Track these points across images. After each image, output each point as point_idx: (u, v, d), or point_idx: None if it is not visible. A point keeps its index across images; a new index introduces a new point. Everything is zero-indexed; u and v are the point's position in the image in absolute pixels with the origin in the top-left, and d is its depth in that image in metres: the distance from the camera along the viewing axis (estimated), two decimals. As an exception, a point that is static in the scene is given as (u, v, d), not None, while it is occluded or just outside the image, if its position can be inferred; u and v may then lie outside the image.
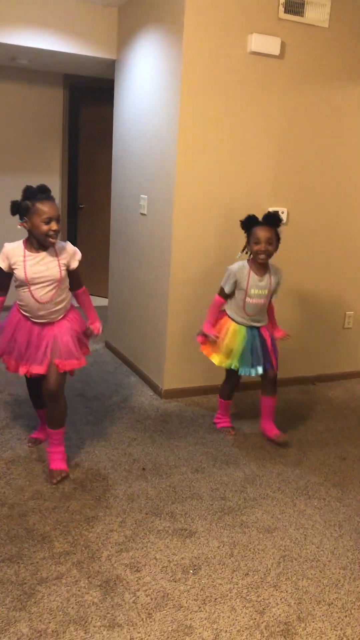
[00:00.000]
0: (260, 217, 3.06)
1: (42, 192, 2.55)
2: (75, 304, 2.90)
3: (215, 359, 3.16)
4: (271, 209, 3.79)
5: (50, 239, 2.56)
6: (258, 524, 2.54)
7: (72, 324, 2.78)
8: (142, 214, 4.00)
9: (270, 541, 2.43)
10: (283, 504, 2.70)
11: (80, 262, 2.77)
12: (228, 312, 3.18)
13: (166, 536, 2.42)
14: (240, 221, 3.07)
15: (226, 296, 3.16)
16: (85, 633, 1.89)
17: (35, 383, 2.86)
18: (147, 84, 3.86)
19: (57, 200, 5.84)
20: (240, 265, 3.10)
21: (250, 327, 3.14)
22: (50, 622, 1.93)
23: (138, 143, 4.05)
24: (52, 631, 1.89)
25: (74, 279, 2.80)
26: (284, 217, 3.85)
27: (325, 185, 3.95)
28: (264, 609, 2.06)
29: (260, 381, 3.25)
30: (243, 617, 2.01)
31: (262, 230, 2.99)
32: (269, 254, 3.03)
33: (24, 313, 2.72)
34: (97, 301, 6.08)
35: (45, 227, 2.53)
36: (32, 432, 3.18)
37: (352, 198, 4.07)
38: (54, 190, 6.31)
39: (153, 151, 3.81)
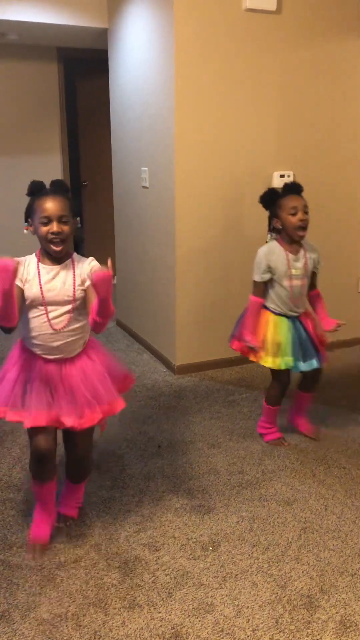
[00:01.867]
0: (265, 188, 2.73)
1: (48, 187, 2.06)
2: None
3: (268, 361, 2.70)
4: (277, 173, 3.67)
5: (53, 246, 1.99)
6: (277, 497, 2.50)
7: (95, 358, 2.16)
8: (144, 187, 3.90)
9: (290, 513, 2.39)
10: (302, 475, 2.66)
11: (94, 252, 2.31)
12: (269, 306, 2.75)
13: (184, 514, 2.39)
14: (261, 197, 2.69)
15: (263, 291, 2.71)
16: (105, 615, 1.88)
17: (43, 444, 2.06)
18: (140, 50, 3.72)
19: (59, 178, 5.80)
20: (270, 247, 2.69)
21: (292, 318, 2.74)
22: (70, 606, 1.92)
23: (135, 113, 3.93)
24: (72, 614, 1.88)
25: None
26: (290, 180, 3.71)
27: (331, 144, 3.81)
28: (285, 582, 2.02)
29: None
30: (265, 592, 1.98)
31: (294, 199, 2.61)
32: (306, 226, 2.65)
33: (34, 349, 2.09)
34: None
35: (43, 229, 1.98)
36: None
37: (360, 156, 3.93)
38: (55, 169, 6.22)
39: (150, 120, 3.69)
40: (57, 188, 2.06)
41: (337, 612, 1.89)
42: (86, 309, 2.08)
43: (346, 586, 2.01)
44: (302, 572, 2.07)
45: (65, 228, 2.00)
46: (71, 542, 2.22)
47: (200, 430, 3.05)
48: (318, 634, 1.81)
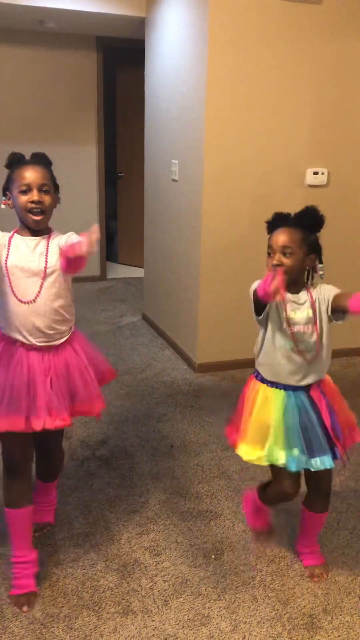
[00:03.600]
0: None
1: (25, 157, 1.89)
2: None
3: (242, 450, 1.88)
4: (310, 170, 3.55)
5: (33, 216, 1.82)
6: (288, 507, 2.39)
7: (80, 353, 1.96)
8: (174, 180, 3.83)
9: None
10: (316, 485, 2.55)
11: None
12: (260, 370, 1.95)
13: (190, 518, 2.32)
14: (266, 222, 1.89)
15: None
16: (97, 619, 1.83)
17: (17, 452, 1.90)
18: (175, 40, 3.64)
19: (94, 169, 5.79)
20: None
21: (294, 391, 1.87)
22: (63, 607, 1.88)
23: (167, 104, 3.85)
24: (65, 616, 1.84)
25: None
26: (324, 178, 3.59)
27: (369, 141, 3.65)
28: (287, 599, 1.94)
29: None
30: (265, 608, 1.90)
31: (276, 235, 1.82)
32: (287, 272, 1.76)
33: (15, 335, 1.86)
34: (137, 272, 6.01)
35: (23, 199, 1.80)
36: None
37: None
38: (91, 159, 6.19)
39: (182, 112, 3.61)
40: (39, 159, 1.88)
41: (339, 636, 1.80)
42: (69, 289, 1.92)
43: (351, 608, 1.91)
44: (306, 589, 1.98)
45: (46, 198, 1.83)
46: (72, 539, 2.18)
47: (216, 432, 2.97)
48: (316, 658, 1.72)
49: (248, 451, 1.86)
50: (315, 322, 1.85)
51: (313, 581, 2.01)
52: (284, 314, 1.85)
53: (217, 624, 1.83)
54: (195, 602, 1.92)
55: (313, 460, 1.82)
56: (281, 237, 1.81)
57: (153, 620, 1.83)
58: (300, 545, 2.11)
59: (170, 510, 2.37)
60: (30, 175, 1.81)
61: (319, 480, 1.93)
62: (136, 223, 5.84)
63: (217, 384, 3.53)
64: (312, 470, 1.83)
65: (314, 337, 1.85)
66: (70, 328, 1.96)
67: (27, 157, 1.89)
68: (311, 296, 1.87)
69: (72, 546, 2.15)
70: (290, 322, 1.84)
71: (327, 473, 1.90)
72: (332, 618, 1.86)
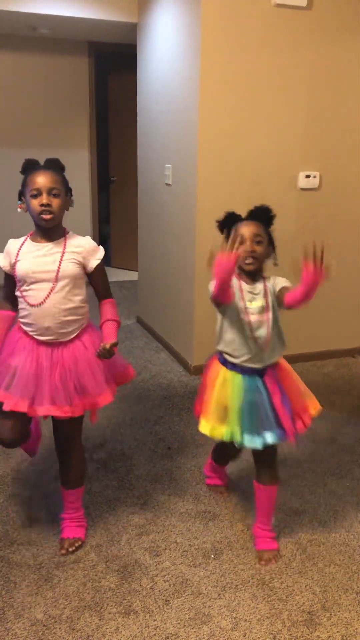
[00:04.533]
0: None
1: (38, 163, 2.01)
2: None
3: (206, 427, 2.08)
4: (302, 173, 3.59)
5: (43, 217, 1.93)
6: (286, 506, 2.43)
7: (89, 346, 2.04)
8: (167, 184, 3.86)
9: (298, 524, 2.32)
10: (313, 485, 2.59)
11: (104, 259, 2.07)
12: (221, 350, 2.13)
13: (188, 519, 2.34)
14: (217, 221, 2.13)
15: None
16: (99, 620, 1.85)
17: (12, 430, 2.03)
18: (167, 45, 3.67)
19: (87, 174, 5.81)
20: None
21: (250, 375, 2.05)
22: (65, 608, 1.90)
23: (160, 109, 3.89)
24: (67, 617, 1.86)
25: (98, 284, 2.07)
26: (316, 181, 3.63)
27: (360, 145, 3.70)
28: (286, 596, 1.96)
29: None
30: (264, 606, 1.92)
31: (245, 226, 2.02)
32: (258, 258, 2.02)
33: (27, 328, 2.02)
34: (130, 275, 6.03)
35: (34, 202, 1.93)
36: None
37: (390, 158, 3.81)
38: (83, 164, 6.23)
39: (175, 116, 3.65)
40: (50, 164, 2.01)
41: (338, 632, 1.83)
42: (82, 290, 2.04)
43: (349, 604, 1.94)
44: (305, 586, 2.01)
45: (55, 201, 1.94)
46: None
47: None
48: (316, 653, 1.75)
49: (205, 425, 2.09)
50: (267, 311, 2.04)
51: (260, 564, 2.12)
52: (242, 303, 2.03)
53: (217, 622, 1.86)
54: (196, 601, 1.94)
55: (260, 438, 2.02)
56: (251, 227, 2.02)
57: (154, 620, 1.86)
58: (256, 528, 2.20)
59: (169, 511, 2.39)
60: (41, 179, 1.93)
61: (263, 453, 2.09)
62: (129, 227, 5.86)
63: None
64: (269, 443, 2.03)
65: (267, 325, 2.04)
66: (81, 325, 2.05)
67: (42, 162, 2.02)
68: (265, 286, 2.06)
69: (73, 548, 2.16)
70: (247, 311, 2.03)
71: (271, 447, 2.08)
72: (330, 615, 1.89)
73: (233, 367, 2.07)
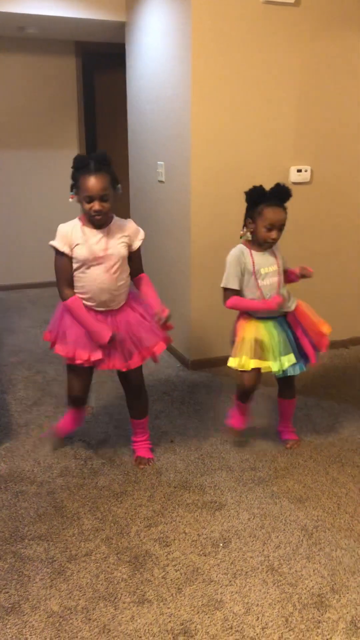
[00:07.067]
0: (268, 183, 2.53)
1: (90, 163, 2.25)
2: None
3: (234, 361, 2.55)
4: (294, 168, 3.64)
5: (96, 218, 2.31)
6: (289, 494, 2.48)
7: (136, 308, 2.52)
8: (160, 182, 3.89)
9: (303, 511, 2.37)
10: (315, 473, 2.64)
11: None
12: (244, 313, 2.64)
13: (195, 509, 2.38)
14: (245, 193, 2.51)
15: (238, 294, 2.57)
16: (115, 609, 1.88)
17: (85, 377, 2.58)
18: (157, 43, 3.70)
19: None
20: (239, 250, 2.57)
21: (275, 318, 2.57)
22: (80, 599, 1.92)
23: (151, 107, 3.91)
24: (82, 608, 1.89)
25: (136, 262, 2.51)
26: (307, 175, 3.68)
27: (349, 139, 3.75)
28: (296, 581, 2.01)
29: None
30: (275, 590, 1.97)
31: (275, 212, 2.42)
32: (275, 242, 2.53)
33: (86, 303, 2.43)
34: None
35: (87, 206, 2.29)
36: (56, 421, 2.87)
37: (379, 151, 3.87)
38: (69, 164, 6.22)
39: (167, 114, 3.68)
40: (100, 164, 2.26)
41: (347, 612, 1.88)
42: (127, 267, 2.46)
43: (357, 586, 1.99)
44: (313, 570, 2.06)
45: (106, 205, 2.29)
46: (82, 535, 2.22)
47: (213, 426, 3.04)
48: (328, 634, 1.79)
49: (233, 360, 2.55)
50: (278, 274, 2.56)
51: (287, 447, 2.80)
52: (254, 271, 2.51)
53: (230, 607, 1.90)
54: (208, 588, 1.98)
55: (295, 366, 2.54)
56: (279, 215, 2.44)
57: (168, 608, 1.89)
58: (280, 427, 2.89)
59: (176, 502, 2.42)
60: (93, 186, 2.23)
61: (286, 378, 2.67)
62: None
63: (212, 380, 3.60)
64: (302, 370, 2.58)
65: (277, 286, 2.54)
66: (127, 293, 2.51)
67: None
68: (274, 253, 2.55)
69: (83, 541, 2.19)
70: (260, 277, 2.53)
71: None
72: (340, 597, 1.94)
73: (259, 318, 2.56)
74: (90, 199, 2.26)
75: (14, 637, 1.78)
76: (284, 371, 2.54)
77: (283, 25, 3.38)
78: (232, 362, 2.56)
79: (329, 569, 2.07)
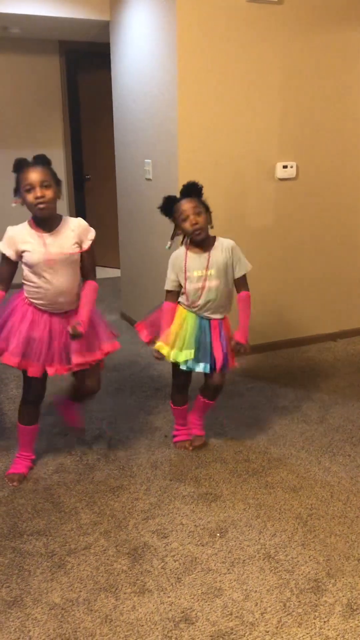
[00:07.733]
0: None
1: (28, 161, 2.26)
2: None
3: (164, 349, 2.57)
4: (280, 164, 3.69)
5: (39, 207, 2.21)
6: (283, 484, 2.53)
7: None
8: (148, 179, 3.91)
9: (297, 500, 2.42)
10: (308, 463, 2.69)
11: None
12: (180, 300, 2.66)
13: (191, 501, 2.42)
14: (159, 208, 2.59)
15: (173, 297, 2.64)
16: (116, 600, 1.91)
17: (38, 388, 2.51)
18: (142, 42, 3.72)
19: (62, 173, 5.81)
20: (177, 253, 2.61)
21: (201, 318, 2.60)
22: (81, 591, 1.95)
23: (137, 105, 3.94)
24: (84, 599, 1.92)
25: (86, 262, 2.41)
26: (293, 171, 3.74)
27: (334, 135, 3.81)
28: (292, 567, 2.05)
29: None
30: (272, 577, 2.01)
31: (183, 203, 2.48)
32: (203, 227, 2.48)
33: (38, 304, 2.37)
34: (110, 272, 6.06)
35: (29, 197, 2.21)
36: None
37: (363, 146, 3.93)
38: (58, 163, 6.20)
39: (153, 112, 3.70)
40: (38, 160, 2.27)
41: (344, 595, 1.92)
42: (79, 265, 2.39)
43: (352, 570, 2.04)
44: (309, 557, 2.10)
45: (48, 192, 2.22)
46: (81, 529, 2.25)
47: (207, 420, 3.06)
48: (325, 617, 1.84)
49: (161, 346, 2.58)
50: (204, 280, 2.55)
51: (191, 448, 2.79)
52: (184, 279, 2.56)
53: (229, 594, 1.93)
54: (207, 577, 2.01)
55: (198, 365, 2.58)
56: (189, 203, 2.48)
57: (169, 597, 1.92)
58: (192, 420, 2.86)
59: (172, 495, 2.46)
60: (32, 175, 2.21)
61: (208, 378, 2.68)
62: (106, 224, 5.88)
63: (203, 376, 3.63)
64: (201, 371, 2.61)
65: (205, 291, 2.55)
66: (78, 298, 2.44)
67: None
68: (209, 257, 2.55)
69: (82, 535, 2.22)
70: (189, 280, 2.56)
71: (215, 374, 2.63)
72: (335, 581, 1.99)
73: (190, 310, 2.61)
74: (31, 187, 2.19)
75: (17, 629, 1.80)
76: (188, 366, 2.58)
77: (267, 23, 3.43)
78: (161, 348, 2.60)
79: (324, 554, 2.11)
